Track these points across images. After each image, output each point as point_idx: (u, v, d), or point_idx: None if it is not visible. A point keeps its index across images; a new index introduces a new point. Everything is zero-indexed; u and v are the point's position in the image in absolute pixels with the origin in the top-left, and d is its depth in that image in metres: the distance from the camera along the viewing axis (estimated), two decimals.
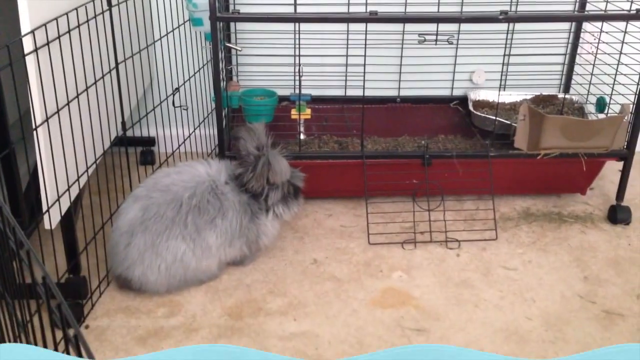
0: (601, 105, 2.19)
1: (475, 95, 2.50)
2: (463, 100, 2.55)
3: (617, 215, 2.13)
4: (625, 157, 2.10)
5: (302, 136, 2.28)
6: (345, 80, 2.54)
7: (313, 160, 2.13)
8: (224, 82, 2.06)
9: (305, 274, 1.92)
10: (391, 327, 1.70)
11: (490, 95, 2.50)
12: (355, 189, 2.20)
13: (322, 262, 1.98)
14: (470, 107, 2.41)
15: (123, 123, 1.92)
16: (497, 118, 2.21)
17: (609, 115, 2.12)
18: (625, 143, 2.08)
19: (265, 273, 1.92)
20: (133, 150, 2.49)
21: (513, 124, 2.17)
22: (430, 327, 1.70)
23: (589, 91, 2.36)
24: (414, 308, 1.78)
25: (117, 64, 1.84)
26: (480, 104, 2.48)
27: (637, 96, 2.03)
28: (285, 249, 2.04)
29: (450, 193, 2.22)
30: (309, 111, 2.23)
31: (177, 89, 2.23)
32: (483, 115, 2.33)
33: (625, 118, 2.02)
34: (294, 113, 2.22)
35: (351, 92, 2.54)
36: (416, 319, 1.74)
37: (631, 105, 2.04)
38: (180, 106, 2.26)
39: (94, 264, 1.82)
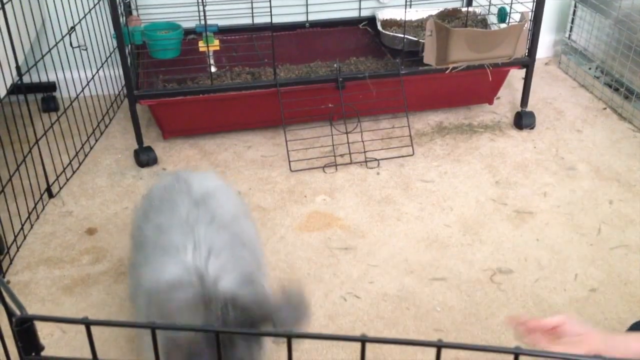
0: (502, 15, 2.25)
1: (383, 15, 2.51)
2: (371, 20, 2.55)
3: (523, 121, 2.24)
4: (527, 65, 2.19)
5: (212, 69, 2.22)
6: (252, 7, 2.47)
7: (227, 93, 2.09)
8: (124, 17, 1.96)
9: None
10: (319, 249, 1.75)
11: (397, 14, 2.51)
12: (272, 118, 2.19)
13: (246, 193, 1.98)
14: (379, 27, 2.42)
15: (17, 68, 1.79)
16: (406, 36, 2.23)
17: (510, 24, 2.19)
18: (527, 51, 2.16)
19: None
20: (33, 97, 2.35)
21: (421, 41, 2.20)
22: (356, 245, 1.76)
23: (490, 2, 2.41)
24: (339, 228, 1.83)
25: (2, 3, 1.69)
26: (389, 23, 2.48)
27: (534, 3, 2.10)
28: None
29: (366, 114, 2.25)
30: (217, 42, 2.16)
31: (73, 28, 2.10)
32: (392, 34, 2.35)
33: (525, 26, 2.09)
34: (201, 45, 2.15)
35: (259, 20, 2.48)
36: (342, 238, 1.79)
37: (530, 13, 2.11)
38: (79, 46, 2.14)
39: (6, 218, 1.74)
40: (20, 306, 0.49)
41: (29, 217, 1.80)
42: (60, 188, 1.97)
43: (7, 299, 0.52)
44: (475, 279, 1.63)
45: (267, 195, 1.97)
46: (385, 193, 1.97)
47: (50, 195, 1.93)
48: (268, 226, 1.84)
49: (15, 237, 1.73)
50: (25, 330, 0.48)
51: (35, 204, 1.85)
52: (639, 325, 1.36)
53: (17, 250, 1.72)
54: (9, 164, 1.76)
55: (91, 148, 2.18)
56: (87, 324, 0.46)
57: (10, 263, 1.67)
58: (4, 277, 1.61)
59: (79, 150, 2.12)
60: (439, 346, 0.46)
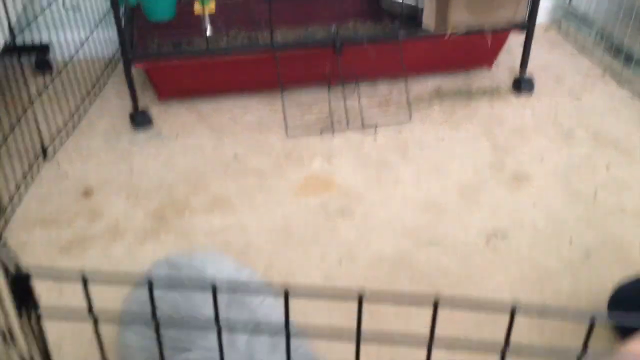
0: None
1: None
2: None
3: (521, 86, 2.23)
4: (527, 29, 2.16)
5: (208, 32, 2.18)
6: None
7: (223, 57, 2.06)
8: None
9: (226, 170, 1.92)
10: (316, 212, 1.75)
11: None
12: (269, 82, 2.16)
13: (242, 157, 1.97)
14: None
15: (10, 29, 1.76)
16: (404, 1, 2.20)
17: None
18: (527, 14, 2.13)
19: (185, 173, 1.90)
20: (26, 59, 2.31)
21: (420, 7, 2.17)
22: (353, 208, 1.76)
23: None
24: (336, 192, 1.83)
25: None
26: None
27: None
28: (204, 148, 2.01)
29: (364, 79, 2.23)
30: (213, 5, 2.12)
31: None
32: None
33: None
34: (197, 8, 2.12)
35: None
36: (339, 202, 1.79)
37: None
38: (73, 7, 2.10)
39: (1, 180, 1.73)
40: (16, 264, 0.49)
41: (24, 178, 1.79)
42: (56, 150, 1.95)
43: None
44: (472, 242, 1.63)
45: (264, 159, 1.96)
46: (382, 158, 1.96)
47: (46, 157, 1.92)
48: (265, 190, 1.83)
49: (11, 198, 1.72)
50: (22, 287, 0.48)
51: (31, 166, 1.84)
52: (623, 289, 1.35)
53: (13, 211, 1.71)
54: (3, 124, 1.74)
55: (86, 111, 2.16)
56: (85, 279, 0.46)
57: (6, 224, 1.66)
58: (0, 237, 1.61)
59: (74, 113, 2.10)
60: (436, 303, 0.46)
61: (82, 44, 2.22)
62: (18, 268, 0.46)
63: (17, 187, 1.76)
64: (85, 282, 0.46)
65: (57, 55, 2.38)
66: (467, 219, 1.72)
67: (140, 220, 1.71)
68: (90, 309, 0.48)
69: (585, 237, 1.65)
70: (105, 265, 1.57)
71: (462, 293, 1.49)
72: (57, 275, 0.46)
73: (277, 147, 2.01)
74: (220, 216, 1.73)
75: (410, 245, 1.63)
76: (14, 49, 1.75)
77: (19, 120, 1.77)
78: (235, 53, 2.07)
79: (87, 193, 1.80)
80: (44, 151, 1.91)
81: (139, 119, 2.07)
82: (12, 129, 1.76)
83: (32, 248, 1.60)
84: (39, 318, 0.48)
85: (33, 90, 2.02)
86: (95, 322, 0.47)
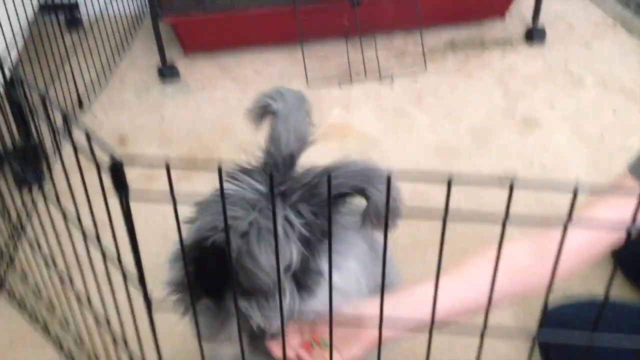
0: None
1: None
2: None
3: (533, 36, 2.29)
4: None
5: None
6: None
7: (246, 10, 2.15)
8: None
9: None
10: (336, 157, 1.86)
11: None
12: (289, 35, 2.25)
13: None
14: None
15: None
16: None
17: None
18: None
19: (213, 123, 2.01)
20: (57, 18, 2.42)
21: None
22: (371, 152, 1.87)
23: None
24: (355, 138, 1.94)
25: None
26: None
27: None
28: (229, 99, 2.12)
29: (380, 31, 2.31)
30: None
31: None
32: None
33: None
34: None
35: None
36: (358, 147, 1.90)
37: None
38: None
39: (44, 130, 1.86)
40: (109, 152, 0.61)
41: (64, 127, 1.92)
42: (91, 102, 2.08)
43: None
44: (482, 182, 1.74)
45: None
46: (399, 106, 2.06)
47: (82, 108, 2.04)
48: None
49: (53, 145, 1.85)
50: (116, 172, 0.60)
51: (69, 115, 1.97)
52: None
53: (55, 158, 1.84)
54: (46, 78, 1.86)
55: (117, 65, 2.27)
56: (167, 166, 0.58)
57: (49, 169, 1.80)
58: (42, 183, 1.75)
59: (105, 68, 2.21)
60: (449, 182, 0.57)
61: (110, 1, 2.32)
62: (113, 156, 0.58)
63: (58, 135, 1.89)
64: (168, 168, 0.57)
65: (86, 12, 2.48)
66: (479, 161, 1.82)
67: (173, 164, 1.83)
68: (171, 191, 0.59)
69: (591, 176, 1.75)
70: (142, 206, 1.70)
71: (473, 228, 1.61)
72: (146, 163, 0.58)
73: None
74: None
75: (425, 185, 1.74)
76: (46, 7, 1.85)
77: (57, 73, 1.89)
78: (257, 6, 2.16)
79: (122, 140, 1.93)
80: (80, 103, 2.03)
81: (167, 72, 2.18)
82: (50, 82, 1.88)
83: (74, 190, 1.74)
84: (128, 200, 0.60)
85: (65, 46, 2.14)
86: (174, 203, 0.59)
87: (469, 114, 2.00)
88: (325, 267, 0.80)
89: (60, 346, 1.34)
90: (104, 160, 0.62)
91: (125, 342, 0.88)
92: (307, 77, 2.17)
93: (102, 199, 0.73)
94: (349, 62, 2.22)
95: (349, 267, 0.85)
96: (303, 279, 0.80)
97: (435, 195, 1.70)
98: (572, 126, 1.93)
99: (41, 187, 0.96)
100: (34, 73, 1.84)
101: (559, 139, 1.88)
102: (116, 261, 0.74)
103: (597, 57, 2.25)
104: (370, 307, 0.83)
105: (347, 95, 2.12)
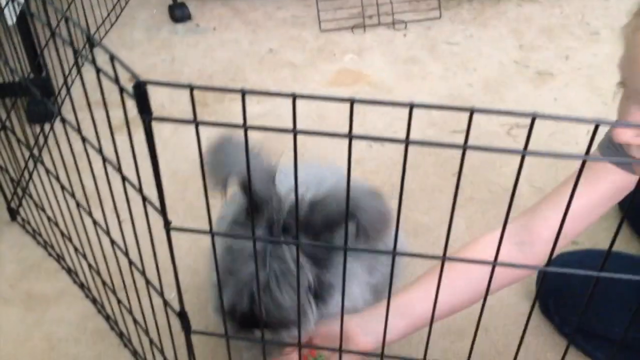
0: None
1: None
2: None
3: None
4: None
5: None
6: None
7: None
8: None
9: (262, 63, 2.02)
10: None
11: None
12: None
13: (277, 51, 2.06)
14: None
15: None
16: None
17: None
18: None
19: (223, 65, 2.00)
20: None
21: None
22: (382, 99, 1.86)
23: None
24: (367, 85, 1.93)
25: None
26: None
27: None
28: (240, 42, 2.10)
29: None
30: None
31: None
32: None
33: None
34: None
35: None
36: (369, 93, 1.89)
37: None
38: None
39: (56, 65, 1.85)
40: (133, 74, 0.61)
41: (75, 62, 1.91)
42: (101, 39, 2.06)
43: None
44: (494, 132, 1.74)
45: (298, 53, 2.05)
46: (412, 54, 2.04)
47: (92, 45, 2.02)
48: (299, 81, 1.94)
49: (66, 78, 1.85)
50: (140, 94, 0.61)
51: (79, 51, 1.95)
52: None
53: (67, 93, 1.84)
54: (57, 11, 1.84)
55: (126, 3, 2.24)
56: (191, 88, 0.58)
57: (62, 104, 1.80)
58: (56, 116, 1.75)
59: (115, 5, 2.18)
60: (472, 111, 0.57)
61: None
62: (137, 77, 0.59)
63: (70, 70, 1.88)
64: (191, 90, 0.58)
65: None
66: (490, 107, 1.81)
67: (184, 105, 1.83)
68: (194, 113, 0.60)
69: (602, 132, 1.75)
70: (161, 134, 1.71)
71: (481, 176, 1.62)
72: (167, 84, 0.58)
73: (310, 42, 2.10)
74: (257, 104, 1.85)
75: (435, 133, 1.74)
76: None
77: (67, 9, 1.87)
78: None
79: (132, 80, 1.92)
80: (90, 38, 2.01)
81: (178, 12, 2.15)
82: (61, 18, 1.86)
83: (85, 126, 1.74)
84: (151, 121, 0.61)
85: None
86: (197, 125, 0.60)
87: (483, 64, 1.99)
88: (333, 279, 0.89)
89: (75, 275, 1.38)
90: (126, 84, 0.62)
91: (143, 269, 0.90)
92: (319, 22, 2.14)
93: (119, 126, 0.74)
94: (362, 7, 2.19)
95: (352, 290, 0.95)
96: (319, 291, 0.90)
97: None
98: (586, 80, 1.91)
99: (59, 115, 0.97)
100: (44, 8, 1.81)
101: (572, 92, 1.87)
102: (135, 183, 0.76)
103: (615, 9, 2.21)
104: (355, 321, 0.91)
105: (359, 41, 2.10)
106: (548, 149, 1.68)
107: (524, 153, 0.57)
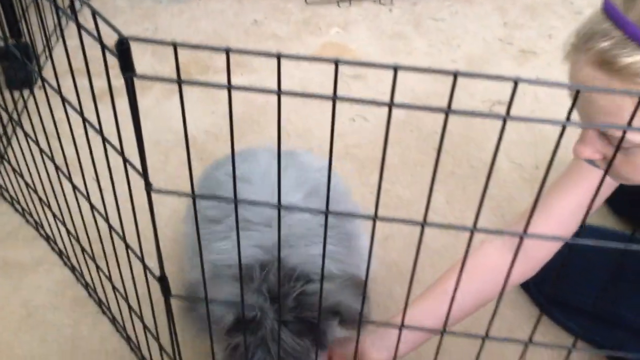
0: None
1: None
2: None
3: None
4: None
5: None
6: None
7: None
8: None
9: (247, 34, 2.00)
10: (331, 76, 1.85)
11: None
12: None
13: (262, 22, 2.04)
14: None
15: None
16: None
17: None
18: None
19: (207, 35, 1.98)
20: None
21: None
22: (367, 74, 1.86)
23: None
24: (351, 58, 1.92)
25: None
26: None
27: None
28: (225, 12, 2.08)
29: None
30: None
31: None
32: None
33: None
34: None
35: None
36: (354, 67, 1.89)
37: None
38: None
39: (36, 31, 1.81)
40: (115, 29, 0.60)
41: (55, 29, 1.88)
42: (82, 4, 2.02)
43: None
44: (475, 108, 1.75)
45: (283, 25, 2.03)
46: (397, 29, 2.03)
47: (73, 11, 1.99)
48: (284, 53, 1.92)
49: (45, 47, 1.82)
50: (123, 51, 0.60)
51: (59, 18, 1.92)
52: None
53: (47, 59, 1.81)
54: None
55: None
56: (175, 45, 0.57)
57: (43, 67, 1.77)
58: (35, 82, 1.73)
59: None
60: (455, 74, 0.57)
61: None
62: (120, 34, 0.58)
63: (49, 37, 1.85)
64: (175, 48, 0.57)
65: None
66: (473, 87, 1.82)
67: (167, 74, 1.81)
68: (177, 72, 0.59)
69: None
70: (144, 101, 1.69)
71: (462, 152, 1.63)
72: (151, 40, 0.57)
73: (295, 14, 2.08)
74: (241, 76, 1.84)
75: (418, 111, 1.75)
76: None
77: None
78: None
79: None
80: (72, 7, 1.98)
81: None
82: None
83: (68, 93, 1.72)
84: (133, 80, 0.60)
85: None
86: (180, 85, 0.59)
87: (467, 41, 1.99)
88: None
89: (54, 242, 1.37)
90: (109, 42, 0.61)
91: (123, 234, 0.90)
92: None
93: (102, 95, 0.73)
94: None
95: None
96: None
97: (427, 120, 1.71)
98: None
99: (40, 75, 0.95)
100: None
101: (554, 71, 1.88)
102: (117, 147, 0.75)
103: None
104: (369, 339, 0.98)
105: (345, 14, 2.08)
106: (527, 125, 1.70)
107: (505, 117, 0.57)
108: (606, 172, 0.54)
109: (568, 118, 0.56)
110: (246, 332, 0.85)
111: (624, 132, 0.52)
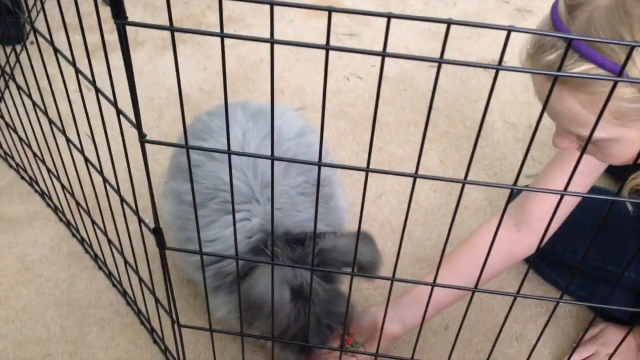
0: None
1: None
2: None
3: None
4: None
5: None
6: None
7: None
8: None
9: None
10: (325, 34, 1.83)
11: None
12: None
13: None
14: None
15: None
16: None
17: None
18: None
19: None
20: None
21: None
22: (361, 32, 1.85)
23: None
24: (345, 16, 1.90)
25: None
26: None
27: None
28: None
29: None
30: None
31: None
32: None
33: None
34: None
35: None
36: (348, 25, 1.87)
37: None
38: None
39: None
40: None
41: None
42: None
43: None
44: (470, 68, 1.74)
45: None
46: None
47: None
48: (277, 11, 1.90)
49: (36, 0, 1.79)
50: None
51: None
52: None
53: (38, 14, 1.78)
54: None
55: None
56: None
57: (33, 24, 1.74)
58: (27, 38, 1.70)
59: None
60: (449, 23, 0.57)
61: None
62: None
63: None
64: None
65: None
66: (469, 47, 1.81)
67: (159, 32, 1.79)
68: (170, 19, 0.59)
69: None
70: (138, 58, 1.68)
71: (456, 111, 1.63)
72: None
73: None
74: (235, 32, 1.82)
75: (413, 67, 1.74)
76: None
77: None
78: None
79: (103, 3, 1.87)
80: None
81: None
82: None
83: (61, 48, 1.70)
84: (125, 27, 0.60)
85: None
86: (173, 33, 0.59)
87: (463, 0, 1.97)
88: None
89: (49, 198, 1.37)
90: None
91: (118, 187, 0.90)
92: None
93: (95, 50, 0.72)
94: None
95: None
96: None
97: (422, 78, 1.71)
98: None
99: (32, 27, 0.94)
100: None
101: None
102: (110, 97, 0.75)
103: None
104: (380, 314, 1.01)
105: None
106: (522, 84, 1.70)
107: (498, 68, 0.57)
108: (576, 165, 0.60)
109: (559, 70, 0.56)
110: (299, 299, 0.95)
111: (591, 135, 0.57)
